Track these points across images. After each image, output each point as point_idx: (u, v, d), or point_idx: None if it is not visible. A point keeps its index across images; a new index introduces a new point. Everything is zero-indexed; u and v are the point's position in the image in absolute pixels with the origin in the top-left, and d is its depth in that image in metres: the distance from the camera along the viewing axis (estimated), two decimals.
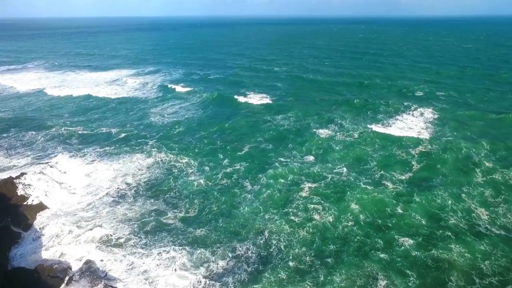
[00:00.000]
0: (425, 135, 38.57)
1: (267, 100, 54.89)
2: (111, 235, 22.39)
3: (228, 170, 32.30)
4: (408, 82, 65.80)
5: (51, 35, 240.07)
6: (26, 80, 77.47)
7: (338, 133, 40.27)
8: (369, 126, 41.99)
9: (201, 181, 30.45)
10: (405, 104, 49.85)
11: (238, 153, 35.92)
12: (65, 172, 30.93)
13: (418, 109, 47.00)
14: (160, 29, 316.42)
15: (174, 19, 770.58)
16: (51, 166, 31.11)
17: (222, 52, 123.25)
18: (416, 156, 33.89)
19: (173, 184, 30.25)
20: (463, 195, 26.96)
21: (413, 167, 31.96)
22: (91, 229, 22.63)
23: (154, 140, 39.26)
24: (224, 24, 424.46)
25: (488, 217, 24.14)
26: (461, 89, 58.82)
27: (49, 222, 23.25)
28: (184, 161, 34.02)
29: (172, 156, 35.12)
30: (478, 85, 61.86)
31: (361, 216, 24.77)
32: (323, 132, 40.69)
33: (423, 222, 23.93)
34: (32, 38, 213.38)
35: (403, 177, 30.21)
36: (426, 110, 46.34)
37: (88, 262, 19.23)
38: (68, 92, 64.13)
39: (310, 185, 28.98)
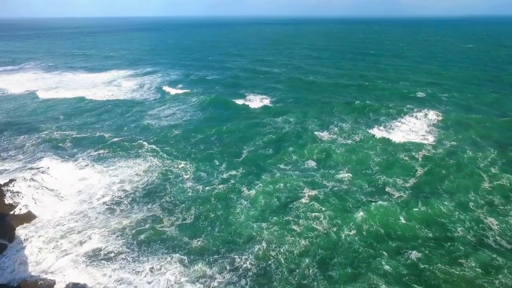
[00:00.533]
0: (429, 138, 37.47)
1: (266, 102, 53.78)
2: (102, 248, 21.21)
3: (225, 175, 31.14)
4: (410, 83, 64.73)
5: (49, 35, 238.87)
6: (22, 81, 76.30)
7: (339, 137, 39.16)
8: (371, 129, 40.91)
9: (198, 187, 29.33)
10: (408, 106, 48.74)
11: (236, 157, 34.79)
12: (56, 178, 29.79)
13: (421, 112, 45.85)
14: (159, 30, 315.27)
15: (174, 19, 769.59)
16: (42, 172, 29.94)
17: (220, 52, 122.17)
18: (420, 160, 32.78)
19: (169, 190, 29.14)
20: (470, 203, 25.83)
21: (417, 173, 30.86)
22: (80, 242, 21.45)
23: (150, 144, 38.08)
24: (224, 24, 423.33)
25: (498, 227, 22.99)
26: (465, 91, 57.77)
27: (36, 233, 22.05)
28: (180, 166, 32.87)
29: (168, 161, 33.94)
30: (482, 86, 60.83)
31: (364, 225, 23.64)
32: (325, 135, 39.60)
33: (430, 233, 22.76)
34: (30, 38, 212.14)
35: (407, 184, 29.09)
36: (430, 112, 45.19)
37: (75, 277, 18.09)
38: (64, 94, 62.98)
39: (311, 192, 27.83)
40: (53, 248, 21.07)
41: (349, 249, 22.02)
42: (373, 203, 25.81)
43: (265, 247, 22.20)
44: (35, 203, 25.52)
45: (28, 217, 23.69)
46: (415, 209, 25.10)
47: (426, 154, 33.90)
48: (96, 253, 21.18)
